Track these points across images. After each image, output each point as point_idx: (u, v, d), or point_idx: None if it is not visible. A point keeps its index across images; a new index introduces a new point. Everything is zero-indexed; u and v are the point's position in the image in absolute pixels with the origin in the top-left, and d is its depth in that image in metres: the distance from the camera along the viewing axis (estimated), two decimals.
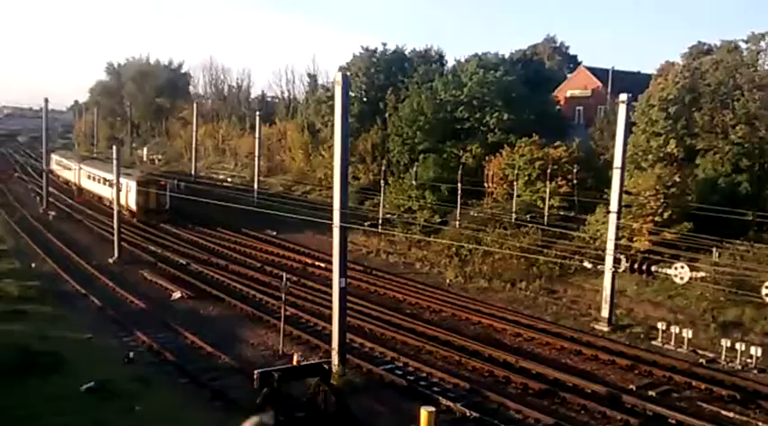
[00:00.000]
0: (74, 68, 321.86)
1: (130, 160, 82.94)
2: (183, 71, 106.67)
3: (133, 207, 50.01)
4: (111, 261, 38.41)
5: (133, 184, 49.40)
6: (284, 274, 26.31)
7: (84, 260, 38.21)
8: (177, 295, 31.16)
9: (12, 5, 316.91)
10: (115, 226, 39.93)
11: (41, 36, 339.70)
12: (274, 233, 47.66)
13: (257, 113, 63.44)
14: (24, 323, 25.53)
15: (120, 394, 18.90)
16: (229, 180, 67.51)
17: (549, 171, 38.76)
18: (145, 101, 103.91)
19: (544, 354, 24.42)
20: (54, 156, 74.22)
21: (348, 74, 31.87)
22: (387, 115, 53.29)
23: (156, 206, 49.95)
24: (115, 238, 39.54)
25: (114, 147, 43.09)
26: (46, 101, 59.79)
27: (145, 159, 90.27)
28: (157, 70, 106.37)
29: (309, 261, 38.36)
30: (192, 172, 71.32)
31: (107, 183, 50.62)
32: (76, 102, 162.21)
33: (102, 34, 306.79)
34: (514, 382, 21.21)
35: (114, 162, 41.20)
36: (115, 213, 40.09)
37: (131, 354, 22.72)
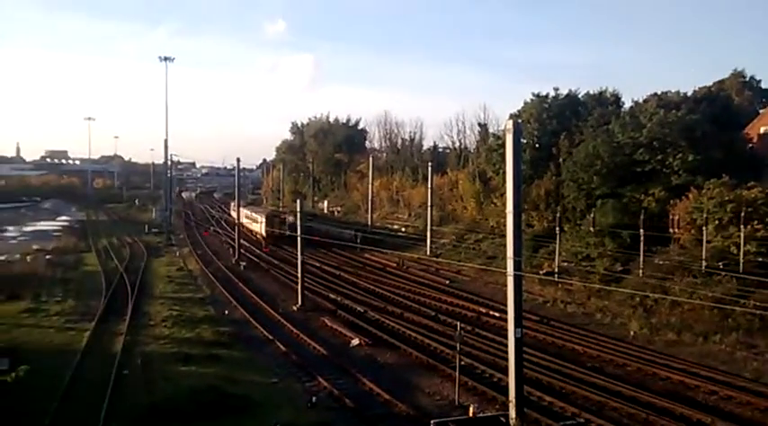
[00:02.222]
0: (262, 130, 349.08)
1: (312, 212, 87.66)
2: (359, 127, 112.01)
3: (263, 233, 68.70)
4: (295, 308, 40.23)
5: (264, 218, 70.44)
6: (458, 323, 26.22)
7: (270, 307, 40.32)
8: (356, 342, 31.88)
9: (208, 79, 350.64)
10: (299, 275, 41.99)
11: (233, 102, 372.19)
12: (447, 281, 47.84)
13: (429, 164, 64.78)
14: (217, 367, 27.24)
15: None
16: (403, 229, 69.03)
17: (743, 214, 35.80)
18: (325, 156, 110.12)
19: (745, 415, 22.10)
20: (232, 204, 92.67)
21: (519, 121, 31.64)
22: (560, 160, 52.13)
23: (279, 231, 66.60)
24: (299, 287, 41.54)
25: (298, 201, 46.39)
26: (238, 160, 65.70)
27: (326, 211, 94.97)
28: (336, 127, 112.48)
29: (483, 310, 37.91)
30: (369, 222, 73.90)
31: (252, 219, 74.29)
32: (264, 160, 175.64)
33: (287, 97, 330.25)
34: None
35: (298, 213, 43.78)
36: (299, 263, 42.12)
37: (314, 399, 23.39)
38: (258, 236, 71.77)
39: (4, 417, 17.85)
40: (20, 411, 19.54)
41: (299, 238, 43.17)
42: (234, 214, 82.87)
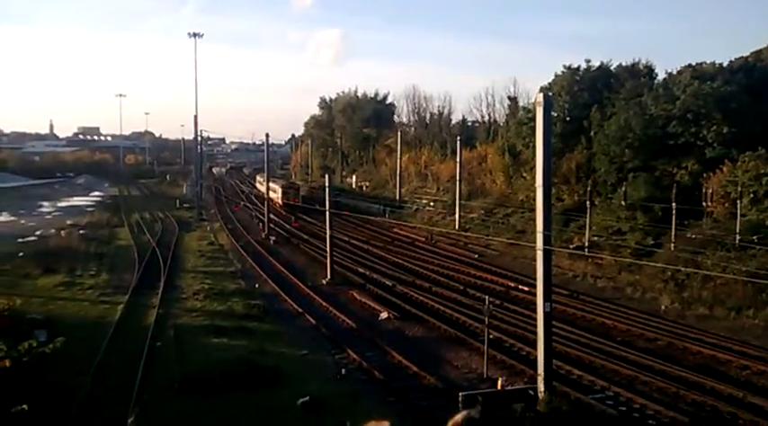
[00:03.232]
0: (291, 105, 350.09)
1: (341, 187, 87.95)
2: (387, 102, 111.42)
3: (280, 202, 77.06)
4: (324, 282, 40.59)
5: (280, 189, 79.28)
6: (487, 297, 26.21)
7: (300, 281, 40.70)
8: (384, 315, 32.11)
9: (237, 55, 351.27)
10: (328, 249, 42.29)
11: (262, 78, 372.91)
12: (476, 256, 47.84)
13: (458, 138, 64.46)
14: (248, 339, 27.69)
15: (332, 409, 19.68)
16: (432, 204, 69.05)
17: None
18: (353, 131, 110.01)
19: None
20: (258, 178, 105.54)
21: (550, 93, 31.25)
22: (592, 133, 51.51)
23: (294, 201, 76.06)
24: (328, 261, 41.86)
25: (326, 176, 46.61)
26: (267, 136, 65.48)
27: (354, 186, 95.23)
28: (364, 102, 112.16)
29: (512, 284, 37.90)
30: (397, 196, 73.89)
31: (272, 190, 76.29)
32: (293, 135, 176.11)
33: (315, 73, 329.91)
34: (742, 419, 19.26)
35: (327, 189, 43.80)
36: (328, 238, 42.43)
37: (343, 371, 23.72)
38: (276, 205, 76.00)
39: (44, 386, 18.44)
40: (58, 381, 20.10)
41: (326, 213, 43.46)
42: (261, 188, 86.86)
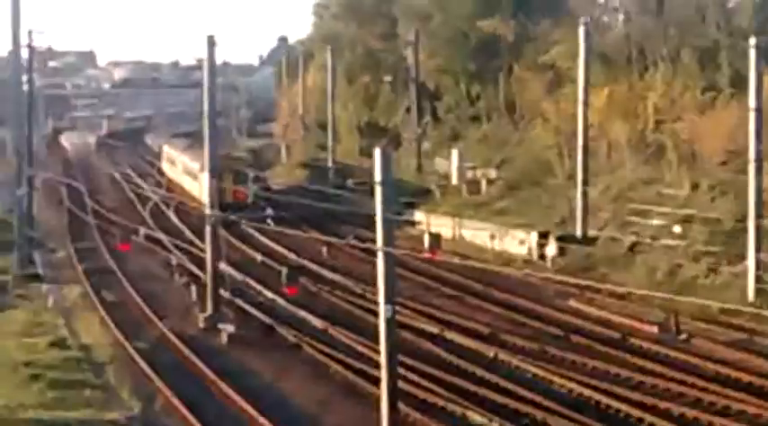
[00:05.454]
0: None
1: (415, 184, 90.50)
2: None
3: (205, 200, 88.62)
4: None
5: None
6: None
7: None
8: None
9: None
10: (383, 361, 36.21)
11: None
12: None
13: (751, 44, 59.30)
14: None
15: None
16: (677, 229, 64.13)
17: None
18: (448, 30, 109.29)
19: None
20: (168, 151, 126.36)
21: None
22: None
23: (239, 198, 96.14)
24: (383, 395, 36.13)
25: (377, 155, 39.10)
26: (210, 42, 60.09)
27: (455, 180, 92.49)
28: None
29: None
30: (577, 212, 69.74)
31: (188, 174, 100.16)
32: (284, 41, 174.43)
33: None
34: None
35: (379, 187, 37.61)
36: (382, 327, 36.33)
37: None
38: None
39: None
40: None
41: (379, 253, 37.22)
42: (177, 178, 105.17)
